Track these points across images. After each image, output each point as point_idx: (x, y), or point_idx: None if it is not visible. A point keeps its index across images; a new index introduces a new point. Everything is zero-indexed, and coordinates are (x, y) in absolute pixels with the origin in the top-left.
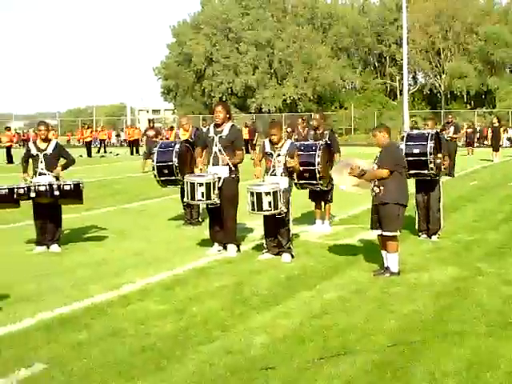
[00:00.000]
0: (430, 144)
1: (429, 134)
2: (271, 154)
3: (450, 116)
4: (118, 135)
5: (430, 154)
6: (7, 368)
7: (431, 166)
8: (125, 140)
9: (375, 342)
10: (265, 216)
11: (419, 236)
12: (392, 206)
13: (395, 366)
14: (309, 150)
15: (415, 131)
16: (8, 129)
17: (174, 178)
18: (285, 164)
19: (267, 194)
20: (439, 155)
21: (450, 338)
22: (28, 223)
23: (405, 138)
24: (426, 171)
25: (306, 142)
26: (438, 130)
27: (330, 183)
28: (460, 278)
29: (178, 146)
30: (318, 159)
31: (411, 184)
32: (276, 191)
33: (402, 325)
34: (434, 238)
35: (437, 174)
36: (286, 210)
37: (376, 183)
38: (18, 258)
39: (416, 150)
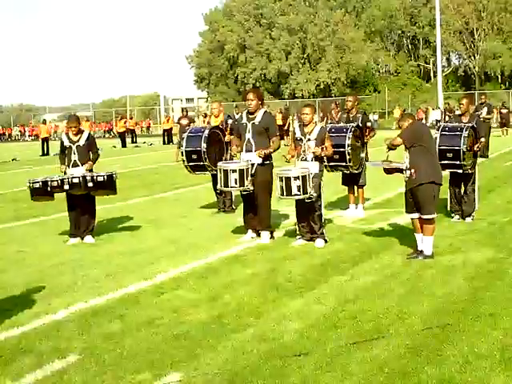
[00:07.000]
0: (463, 148)
1: (461, 133)
2: (301, 139)
3: (482, 97)
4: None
5: (463, 158)
6: (42, 359)
7: (466, 167)
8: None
9: (408, 326)
10: (296, 201)
11: (452, 217)
12: (427, 185)
13: (428, 349)
14: (339, 132)
15: (449, 126)
16: (44, 122)
17: (202, 163)
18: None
19: (296, 178)
20: (481, 140)
21: (483, 320)
22: (62, 215)
23: (439, 136)
24: (460, 170)
25: (336, 125)
26: (476, 114)
27: (361, 166)
28: (494, 260)
29: (207, 131)
30: (348, 141)
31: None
32: (305, 175)
33: (435, 308)
34: (469, 219)
35: (473, 165)
36: (315, 195)
37: (407, 166)
38: (52, 250)
39: (449, 154)
